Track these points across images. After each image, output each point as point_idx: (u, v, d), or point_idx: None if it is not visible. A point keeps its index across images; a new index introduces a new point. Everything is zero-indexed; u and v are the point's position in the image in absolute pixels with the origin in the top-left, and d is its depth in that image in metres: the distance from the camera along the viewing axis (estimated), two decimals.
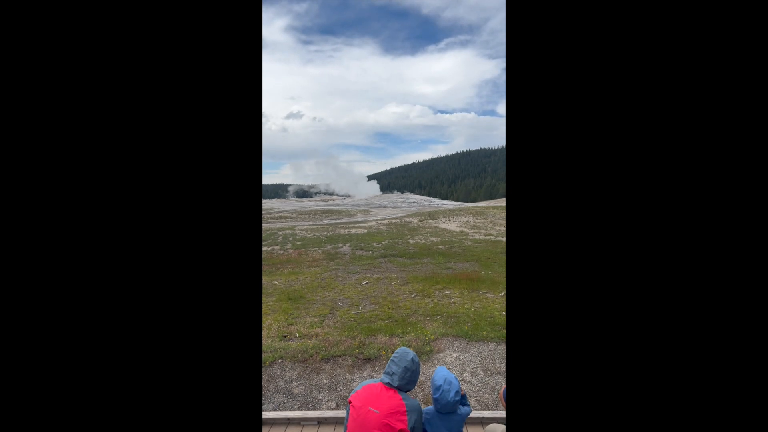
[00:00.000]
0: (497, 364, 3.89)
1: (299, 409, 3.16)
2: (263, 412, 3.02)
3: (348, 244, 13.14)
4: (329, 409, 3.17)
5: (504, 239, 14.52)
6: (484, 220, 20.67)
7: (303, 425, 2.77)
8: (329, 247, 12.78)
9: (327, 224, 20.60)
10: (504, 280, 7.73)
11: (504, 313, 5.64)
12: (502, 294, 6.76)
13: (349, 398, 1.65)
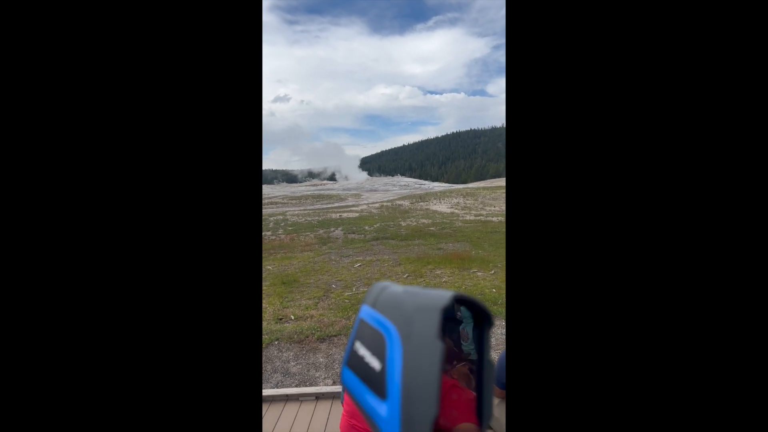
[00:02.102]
0: None
1: (297, 386, 3.24)
2: (262, 390, 3.08)
3: (340, 228, 13.11)
4: (326, 385, 3.26)
5: (494, 219, 14.64)
6: (474, 201, 20.74)
7: (301, 401, 2.84)
8: (321, 231, 12.75)
9: (318, 209, 20.42)
10: (494, 258, 7.85)
11: (494, 290, 5.76)
12: (492, 272, 6.88)
13: None
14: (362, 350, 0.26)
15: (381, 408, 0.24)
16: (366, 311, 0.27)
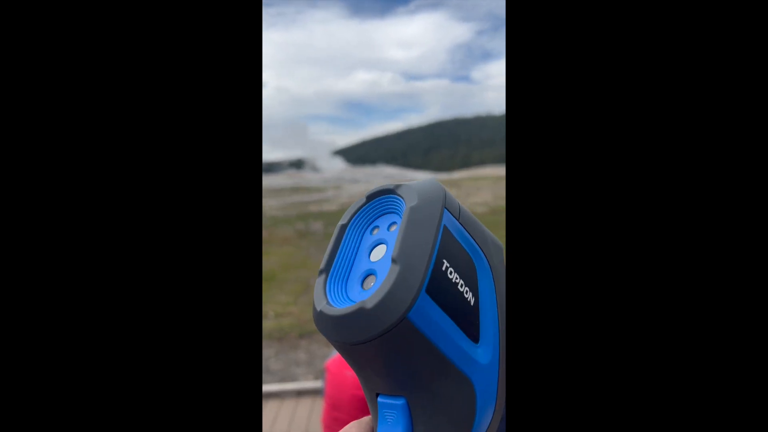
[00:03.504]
0: None
1: (278, 383, 3.18)
2: None
3: (320, 222, 13.01)
4: (307, 380, 3.21)
5: (478, 210, 14.89)
6: (459, 191, 21.04)
7: (283, 398, 2.80)
8: (300, 225, 12.61)
9: (297, 201, 20.26)
10: None
11: None
12: None
13: (326, 365, 1.66)
14: (452, 274, 0.18)
15: (475, 351, 0.19)
16: (450, 221, 0.19)
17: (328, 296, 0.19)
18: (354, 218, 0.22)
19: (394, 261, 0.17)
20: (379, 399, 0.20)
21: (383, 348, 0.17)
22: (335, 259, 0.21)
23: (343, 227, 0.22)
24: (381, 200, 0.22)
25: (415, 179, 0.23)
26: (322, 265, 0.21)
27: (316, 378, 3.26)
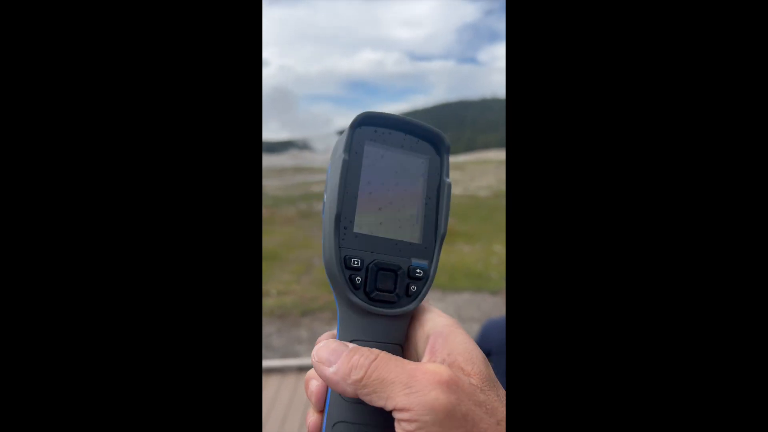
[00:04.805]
0: (471, 312, 4.12)
1: (280, 359, 3.27)
2: None
3: (323, 202, 12.95)
4: (309, 358, 3.29)
5: (481, 193, 14.79)
6: (462, 175, 20.84)
7: (285, 373, 2.87)
8: (303, 205, 12.60)
9: (299, 182, 20.16)
10: (479, 233, 7.97)
11: (479, 263, 5.86)
12: (478, 246, 6.99)
13: None
14: None
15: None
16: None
17: None
18: None
19: None
20: None
21: None
22: None
23: None
24: None
25: None
26: None
27: None
